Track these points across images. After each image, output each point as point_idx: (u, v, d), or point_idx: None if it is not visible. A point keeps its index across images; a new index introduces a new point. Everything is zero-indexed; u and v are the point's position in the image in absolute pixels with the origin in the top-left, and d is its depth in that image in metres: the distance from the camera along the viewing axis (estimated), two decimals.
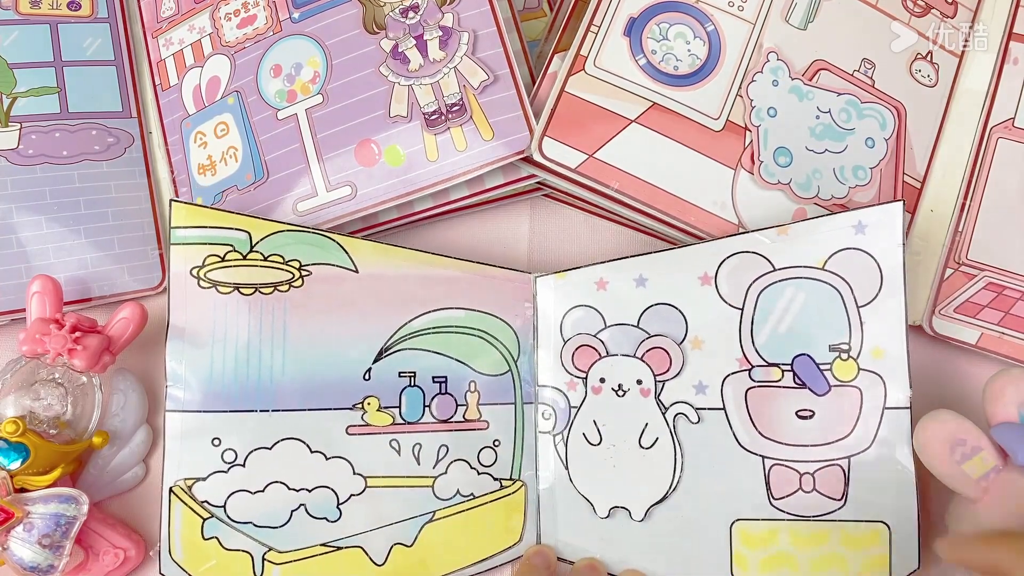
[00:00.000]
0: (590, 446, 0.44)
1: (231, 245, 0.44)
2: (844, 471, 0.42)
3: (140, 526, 0.46)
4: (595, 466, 0.44)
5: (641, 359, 0.44)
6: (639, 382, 0.44)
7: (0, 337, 0.49)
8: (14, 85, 0.50)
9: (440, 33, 0.47)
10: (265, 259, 0.44)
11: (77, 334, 0.43)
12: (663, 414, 0.43)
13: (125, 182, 0.51)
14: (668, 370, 0.44)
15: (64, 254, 0.48)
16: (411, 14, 0.48)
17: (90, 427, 0.45)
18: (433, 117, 0.46)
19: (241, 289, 0.44)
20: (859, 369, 0.42)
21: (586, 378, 0.44)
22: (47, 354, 0.43)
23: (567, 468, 0.45)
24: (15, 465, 0.41)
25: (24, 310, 0.45)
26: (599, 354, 0.44)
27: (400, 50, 0.47)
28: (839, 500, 0.42)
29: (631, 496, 0.44)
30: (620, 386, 0.44)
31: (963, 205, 0.48)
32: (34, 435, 0.42)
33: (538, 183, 0.48)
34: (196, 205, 0.45)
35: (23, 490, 0.41)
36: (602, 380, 0.44)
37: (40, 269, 0.47)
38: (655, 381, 0.44)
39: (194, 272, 0.43)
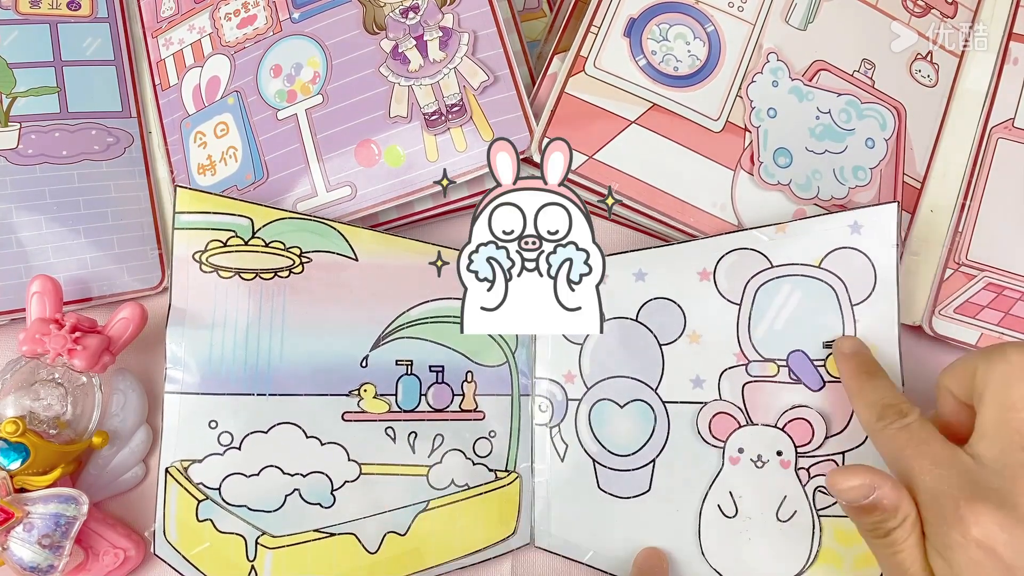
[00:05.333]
0: (725, 518, 0.43)
1: (233, 231, 0.44)
2: (838, 467, 0.42)
3: (140, 526, 0.46)
4: (730, 538, 0.43)
5: (782, 429, 0.43)
6: (779, 453, 0.43)
7: (0, 337, 0.49)
8: (14, 85, 0.50)
9: (440, 34, 0.47)
10: (266, 245, 0.44)
11: (77, 334, 0.43)
12: (803, 487, 0.42)
13: (125, 182, 0.51)
14: (810, 441, 0.42)
15: (64, 254, 0.48)
16: (411, 15, 0.48)
17: (90, 427, 0.45)
18: (433, 117, 0.46)
19: (242, 274, 0.44)
20: None
21: (724, 448, 0.43)
22: (47, 354, 0.43)
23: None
24: (15, 465, 0.41)
25: (24, 310, 0.45)
26: (738, 423, 0.43)
27: (400, 50, 0.47)
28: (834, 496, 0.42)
29: (767, 572, 0.42)
30: (760, 457, 0.43)
31: (963, 205, 0.48)
32: (34, 435, 0.42)
33: None
34: (200, 191, 0.45)
35: (23, 490, 0.41)
36: (740, 450, 0.43)
37: (40, 269, 0.47)
38: (796, 453, 0.42)
39: (196, 256, 0.44)
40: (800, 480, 0.42)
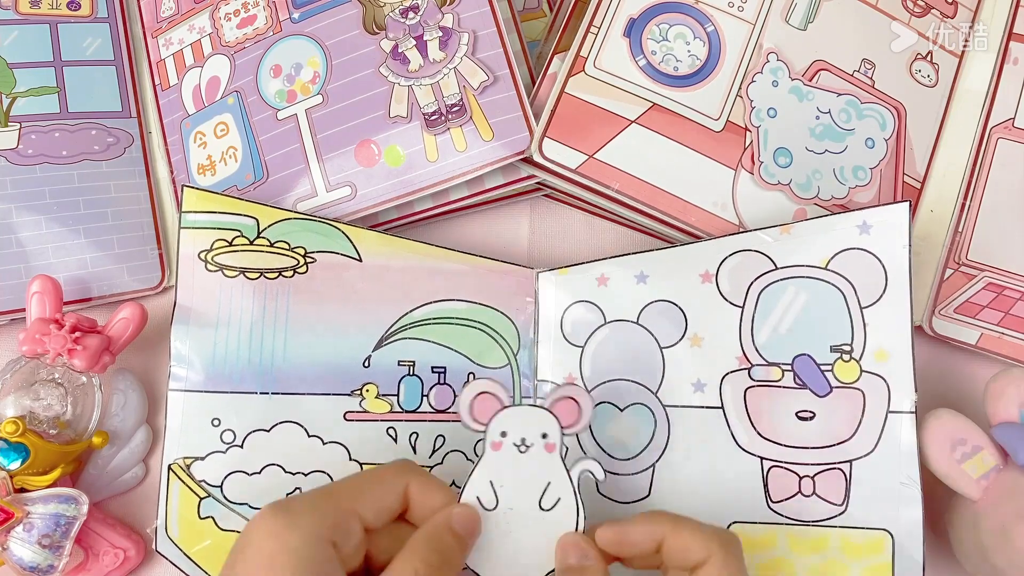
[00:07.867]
0: (484, 511, 0.37)
1: (239, 231, 0.44)
2: (846, 475, 0.41)
3: (140, 526, 0.46)
4: (486, 533, 0.37)
5: (548, 410, 0.38)
6: (544, 436, 0.38)
7: (0, 337, 0.49)
8: (14, 85, 0.50)
9: (440, 33, 0.47)
10: (271, 245, 0.45)
11: (77, 334, 0.43)
12: (567, 472, 0.38)
13: (125, 182, 0.51)
14: (576, 422, 0.38)
15: (64, 254, 0.48)
16: (411, 14, 0.48)
17: (90, 427, 0.45)
18: (433, 117, 0.46)
19: (247, 273, 0.44)
20: (861, 371, 0.42)
21: (485, 432, 0.38)
22: (47, 354, 0.43)
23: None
24: (15, 465, 0.41)
25: (24, 310, 0.45)
26: (501, 403, 0.38)
27: (400, 50, 0.47)
28: (840, 505, 0.41)
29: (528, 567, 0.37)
30: (523, 440, 0.38)
31: (963, 205, 0.48)
32: (34, 435, 0.42)
33: (538, 183, 0.48)
34: (207, 191, 0.45)
35: (23, 490, 0.41)
36: (503, 434, 0.38)
37: (40, 269, 0.47)
38: (561, 434, 0.38)
39: (202, 255, 0.44)
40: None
